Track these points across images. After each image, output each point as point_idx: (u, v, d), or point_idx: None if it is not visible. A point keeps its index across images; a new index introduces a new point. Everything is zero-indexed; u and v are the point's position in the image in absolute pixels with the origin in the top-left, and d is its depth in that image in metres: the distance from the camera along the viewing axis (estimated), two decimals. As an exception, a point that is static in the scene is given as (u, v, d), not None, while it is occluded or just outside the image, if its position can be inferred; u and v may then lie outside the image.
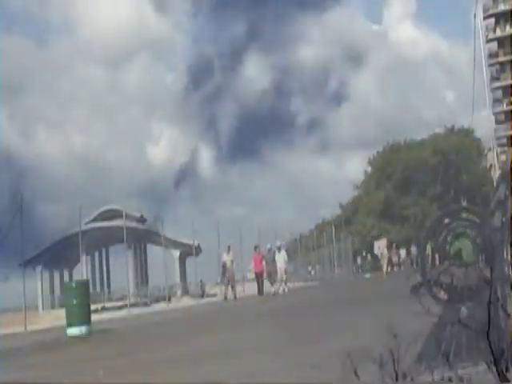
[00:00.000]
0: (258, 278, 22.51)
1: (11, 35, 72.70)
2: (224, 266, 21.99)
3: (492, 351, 2.48)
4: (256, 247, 23.48)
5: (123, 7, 79.97)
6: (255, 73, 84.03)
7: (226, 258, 22.19)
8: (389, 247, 33.40)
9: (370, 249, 42.95)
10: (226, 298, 21.43)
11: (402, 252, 39.44)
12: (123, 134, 75.32)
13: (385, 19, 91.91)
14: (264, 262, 22.48)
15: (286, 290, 22.06)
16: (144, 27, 75.13)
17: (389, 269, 30.52)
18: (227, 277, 21.79)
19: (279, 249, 23.01)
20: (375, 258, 40.47)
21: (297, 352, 5.96)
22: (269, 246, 23.89)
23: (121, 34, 79.15)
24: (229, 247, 22.78)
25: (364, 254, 45.46)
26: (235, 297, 21.45)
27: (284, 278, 22.54)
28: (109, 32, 77.63)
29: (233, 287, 21.76)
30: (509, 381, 2.51)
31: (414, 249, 37.97)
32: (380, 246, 32.54)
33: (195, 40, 74.14)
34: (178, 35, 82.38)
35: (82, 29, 74.70)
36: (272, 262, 22.51)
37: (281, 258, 22.54)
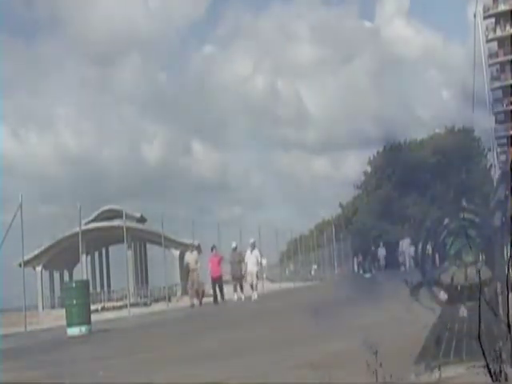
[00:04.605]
0: (215, 283, 19.34)
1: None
2: (187, 267, 19.25)
3: (483, 352, 2.48)
4: (213, 247, 20.31)
5: (115, 5, 79.82)
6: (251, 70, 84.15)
7: (190, 257, 19.35)
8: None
9: (371, 248, 42.98)
10: (193, 305, 18.61)
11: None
12: (117, 134, 75.49)
13: (379, 17, 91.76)
14: (222, 265, 19.74)
15: (256, 297, 19.07)
16: (135, 25, 75.08)
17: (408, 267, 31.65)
18: (191, 279, 18.99)
19: (252, 247, 19.94)
20: (376, 257, 40.58)
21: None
22: (234, 244, 20.51)
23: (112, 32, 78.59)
24: (193, 246, 20.16)
25: (374, 249, 45.30)
26: (200, 303, 18.87)
27: (255, 283, 19.57)
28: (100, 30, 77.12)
29: (197, 291, 18.97)
30: (506, 380, 2.51)
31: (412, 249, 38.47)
32: (403, 245, 33.73)
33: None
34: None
35: (72, 27, 74.55)
36: (238, 263, 19.56)
37: (253, 259, 19.61)
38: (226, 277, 20.65)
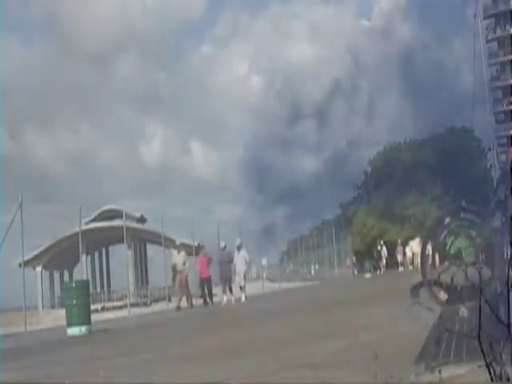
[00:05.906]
0: (203, 284, 18.71)
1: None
2: (174, 268, 18.46)
3: (483, 352, 2.48)
4: (202, 247, 19.98)
5: (113, 4, 79.77)
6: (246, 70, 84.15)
7: (177, 258, 18.72)
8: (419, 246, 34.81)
9: (371, 248, 43.02)
10: (179, 307, 17.88)
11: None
12: (116, 134, 75.57)
13: (377, 16, 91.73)
14: (210, 266, 19.08)
15: (244, 299, 18.39)
16: (133, 25, 75.06)
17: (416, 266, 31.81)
18: (178, 281, 18.24)
19: (239, 248, 19.18)
20: (376, 257, 40.62)
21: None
22: (222, 244, 19.71)
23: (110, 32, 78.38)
24: (181, 246, 19.59)
25: (379, 249, 45.31)
26: (191, 305, 18.18)
27: (242, 284, 18.90)
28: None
29: (185, 293, 18.25)
30: (508, 379, 2.51)
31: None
32: (413, 246, 34.20)
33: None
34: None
35: (71, 27, 74.55)
36: (227, 263, 18.85)
37: (240, 260, 18.93)
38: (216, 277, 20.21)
